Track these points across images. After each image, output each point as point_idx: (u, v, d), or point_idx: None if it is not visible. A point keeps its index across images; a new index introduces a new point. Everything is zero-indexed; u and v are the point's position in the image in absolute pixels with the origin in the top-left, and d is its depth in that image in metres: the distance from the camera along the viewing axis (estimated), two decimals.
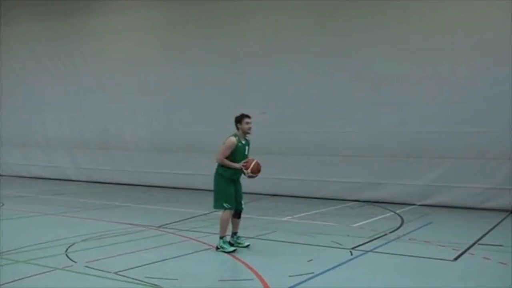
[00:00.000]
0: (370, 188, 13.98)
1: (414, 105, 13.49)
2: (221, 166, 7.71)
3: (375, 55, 13.84)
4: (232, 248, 7.63)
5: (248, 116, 7.78)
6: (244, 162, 7.60)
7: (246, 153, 7.79)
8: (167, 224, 9.90)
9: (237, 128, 7.79)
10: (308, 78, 14.73)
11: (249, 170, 7.55)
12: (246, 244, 7.94)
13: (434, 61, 13.25)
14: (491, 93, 12.64)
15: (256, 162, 7.62)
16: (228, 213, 7.65)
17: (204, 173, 15.29)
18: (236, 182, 7.81)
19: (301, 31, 14.97)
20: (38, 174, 19.97)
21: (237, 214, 7.83)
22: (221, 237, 7.69)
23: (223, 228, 7.68)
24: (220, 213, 7.82)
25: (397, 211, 12.21)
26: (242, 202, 7.89)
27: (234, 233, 7.94)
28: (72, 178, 19.11)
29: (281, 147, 14.97)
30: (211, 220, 10.16)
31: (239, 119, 7.78)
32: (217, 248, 7.70)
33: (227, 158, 7.63)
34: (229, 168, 7.65)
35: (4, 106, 20.69)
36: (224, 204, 7.63)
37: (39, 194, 15.20)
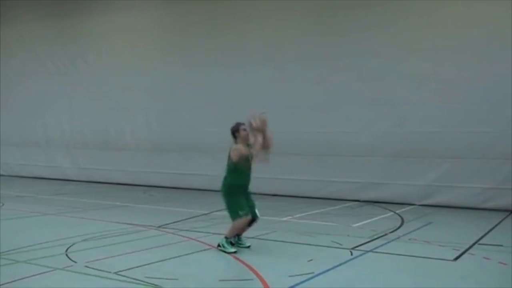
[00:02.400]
0: (370, 188, 13.98)
1: (414, 105, 13.48)
2: (228, 175, 7.68)
3: (375, 55, 13.83)
4: (233, 249, 7.61)
5: (242, 124, 7.75)
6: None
7: (250, 159, 7.73)
8: (167, 224, 9.89)
9: (235, 138, 7.72)
10: (308, 78, 14.73)
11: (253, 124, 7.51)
12: (248, 244, 7.92)
13: (434, 61, 13.25)
14: (491, 93, 12.63)
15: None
16: (244, 220, 7.60)
17: (204, 173, 15.41)
18: (245, 190, 7.77)
19: (301, 31, 14.96)
20: (38, 174, 19.94)
21: (251, 223, 7.78)
22: (226, 237, 7.69)
23: (233, 232, 7.68)
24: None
25: (397, 211, 12.20)
26: (256, 211, 7.83)
27: (237, 234, 7.91)
28: (72, 178, 19.10)
29: (281, 147, 14.87)
30: (211, 220, 10.18)
31: (236, 129, 7.73)
32: (218, 246, 7.69)
33: (235, 165, 7.61)
34: (237, 175, 7.61)
35: (4, 106, 20.67)
36: (240, 212, 7.58)
37: (39, 194, 15.18)
